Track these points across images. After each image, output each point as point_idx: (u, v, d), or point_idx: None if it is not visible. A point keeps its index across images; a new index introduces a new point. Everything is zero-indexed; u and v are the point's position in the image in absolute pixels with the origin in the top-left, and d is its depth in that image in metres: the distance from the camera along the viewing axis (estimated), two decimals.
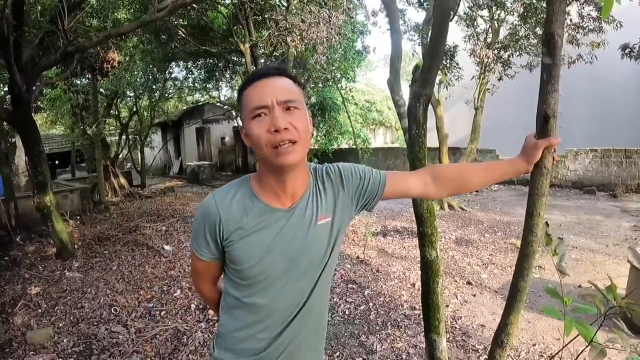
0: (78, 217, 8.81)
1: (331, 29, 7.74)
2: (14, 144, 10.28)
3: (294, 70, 9.87)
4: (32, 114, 6.11)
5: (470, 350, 3.35)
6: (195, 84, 14.82)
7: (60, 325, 3.99)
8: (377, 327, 3.76)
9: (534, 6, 7.85)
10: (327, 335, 3.44)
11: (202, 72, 13.92)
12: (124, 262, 5.81)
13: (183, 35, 9.99)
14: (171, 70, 14.12)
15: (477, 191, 10.89)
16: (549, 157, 1.28)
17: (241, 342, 1.18)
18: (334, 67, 10.35)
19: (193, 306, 4.30)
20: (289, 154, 1.03)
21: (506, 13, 8.88)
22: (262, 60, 9.78)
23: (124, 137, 14.09)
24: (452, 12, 7.39)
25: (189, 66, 13.66)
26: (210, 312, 4.02)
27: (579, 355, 1.53)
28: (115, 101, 12.94)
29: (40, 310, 4.32)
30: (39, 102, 11.25)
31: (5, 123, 7.82)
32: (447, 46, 8.08)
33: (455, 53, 8.89)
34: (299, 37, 7.75)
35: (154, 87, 13.62)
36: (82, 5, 6.57)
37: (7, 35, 4.80)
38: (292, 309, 1.15)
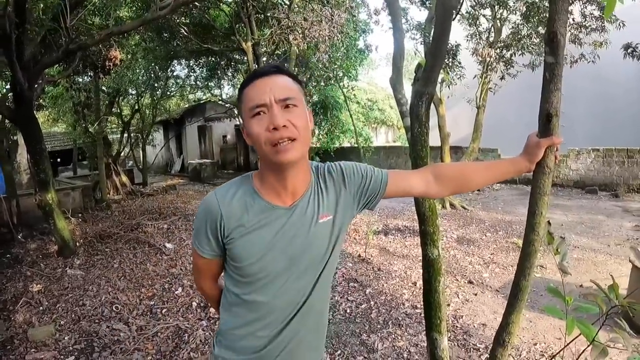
0: (80, 215, 8.83)
1: (333, 27, 7.73)
2: (16, 141, 10.30)
3: (296, 69, 9.87)
4: (34, 112, 6.12)
5: (472, 349, 3.35)
6: (197, 82, 14.81)
7: (62, 322, 4.01)
8: (379, 326, 3.76)
9: (536, 5, 7.84)
10: (328, 334, 3.45)
11: (204, 70, 13.91)
12: (125, 259, 5.82)
13: (185, 33, 9.98)
14: (173, 68, 14.12)
15: (478, 190, 10.88)
16: (552, 156, 1.27)
17: (241, 340, 1.18)
18: (336, 66, 10.33)
19: (194, 304, 4.30)
20: (288, 152, 1.03)
21: (509, 12, 8.87)
22: (264, 59, 9.77)
23: (125, 135, 14.10)
24: (454, 11, 7.38)
25: (191, 64, 13.64)
26: (212, 310, 4.03)
27: (580, 354, 1.53)
28: (117, 99, 12.96)
29: (41, 308, 4.34)
30: (41, 100, 11.26)
31: (7, 121, 7.83)
32: (450, 45, 8.06)
33: (458, 52, 8.87)
34: (301, 35, 7.74)
35: (156, 85, 13.62)
36: (84, 3, 6.58)
37: (10, 33, 4.81)
38: (292, 307, 1.16)
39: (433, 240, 2.10)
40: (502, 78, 9.28)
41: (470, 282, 4.82)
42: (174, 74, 14.63)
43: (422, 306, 2.37)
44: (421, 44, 8.83)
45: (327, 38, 7.80)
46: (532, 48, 8.63)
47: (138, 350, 3.47)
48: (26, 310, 4.28)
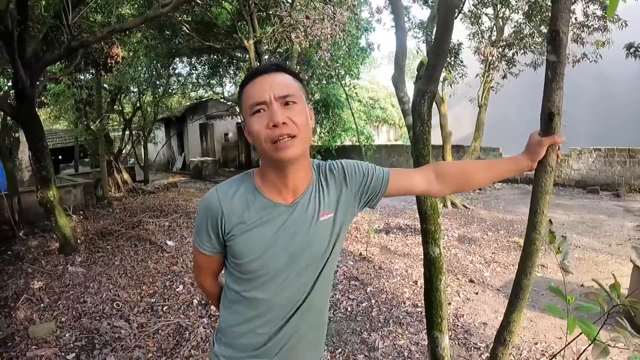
0: (81, 212, 8.85)
1: (335, 25, 7.72)
2: (18, 138, 10.30)
3: (298, 67, 9.85)
4: (36, 109, 6.13)
5: (472, 348, 3.35)
6: (199, 80, 14.79)
7: (63, 319, 4.02)
8: (379, 324, 3.76)
9: (538, 4, 7.82)
10: (329, 332, 3.45)
11: (206, 68, 13.89)
12: (126, 257, 5.83)
13: (187, 31, 9.96)
14: (175, 66, 14.08)
15: (480, 189, 10.88)
16: (553, 155, 1.27)
17: (241, 337, 1.18)
18: (338, 64, 10.32)
19: (195, 301, 4.31)
20: (287, 149, 1.03)
21: (511, 11, 8.86)
22: (266, 57, 9.75)
23: (127, 132, 14.10)
24: (457, 10, 7.36)
25: (193, 62, 13.62)
26: (213, 307, 4.03)
27: (581, 354, 1.53)
28: (118, 96, 12.96)
29: (42, 305, 4.35)
30: (42, 97, 11.26)
31: (9, 118, 7.84)
32: (452, 44, 8.05)
33: (460, 51, 8.87)
34: (303, 33, 7.73)
35: (157, 82, 13.60)
36: (86, 1, 6.59)
37: (12, 30, 4.81)
38: (292, 304, 1.16)
39: (434, 238, 2.10)
40: (504, 77, 9.27)
41: (471, 281, 4.82)
42: (176, 71, 14.61)
43: (423, 305, 2.37)
44: (423, 42, 8.79)
45: (329, 36, 7.79)
46: (534, 47, 8.61)
47: (139, 347, 3.47)
48: (27, 307, 4.29)
